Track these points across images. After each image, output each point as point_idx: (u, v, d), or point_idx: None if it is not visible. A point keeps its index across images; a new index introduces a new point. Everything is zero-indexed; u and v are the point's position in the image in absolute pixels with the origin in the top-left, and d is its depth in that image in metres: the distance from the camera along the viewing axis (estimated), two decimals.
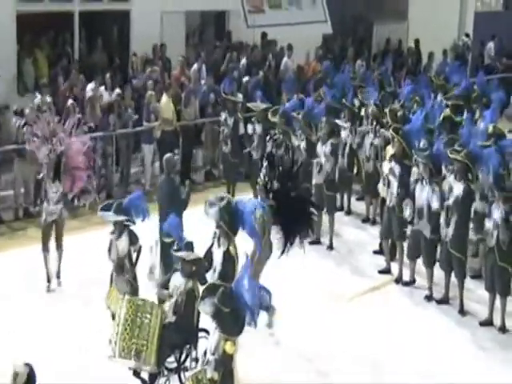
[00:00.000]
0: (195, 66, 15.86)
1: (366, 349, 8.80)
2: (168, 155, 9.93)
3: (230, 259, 7.78)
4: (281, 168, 8.80)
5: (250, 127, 12.96)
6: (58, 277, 9.93)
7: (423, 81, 15.71)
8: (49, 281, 9.84)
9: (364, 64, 18.19)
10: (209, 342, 6.45)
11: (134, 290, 7.99)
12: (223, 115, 13.44)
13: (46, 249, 9.81)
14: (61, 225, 9.89)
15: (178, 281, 7.51)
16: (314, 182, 11.78)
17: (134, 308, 7.13)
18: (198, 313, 7.32)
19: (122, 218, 8.08)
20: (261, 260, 8.29)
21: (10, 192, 12.49)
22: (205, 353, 6.54)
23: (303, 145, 11.91)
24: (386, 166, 10.64)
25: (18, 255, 10.78)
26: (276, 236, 8.34)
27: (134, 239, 8.20)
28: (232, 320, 6.19)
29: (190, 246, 7.57)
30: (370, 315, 9.68)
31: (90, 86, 13.91)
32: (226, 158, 13.51)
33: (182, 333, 7.39)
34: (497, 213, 9.05)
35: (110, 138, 13.45)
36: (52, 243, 9.94)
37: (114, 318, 7.49)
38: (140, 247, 8.25)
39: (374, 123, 12.41)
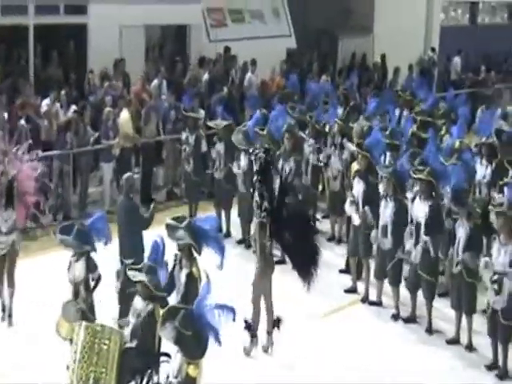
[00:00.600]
0: (155, 81, 15.93)
1: (331, 368, 8.88)
2: (127, 174, 9.94)
3: (193, 281, 7.85)
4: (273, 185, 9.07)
5: (215, 149, 12.92)
6: (10, 315, 9.50)
7: (388, 96, 15.96)
8: (3, 310, 9.50)
9: (329, 79, 18.39)
10: (171, 365, 6.50)
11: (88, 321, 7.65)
12: (184, 133, 13.53)
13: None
14: (13, 258, 9.34)
15: (138, 304, 7.51)
16: None
17: (91, 334, 7.08)
18: (159, 336, 7.29)
19: (81, 247, 8.03)
20: (263, 278, 8.90)
21: None
22: (167, 377, 6.55)
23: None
24: (355, 183, 10.74)
25: None
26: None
27: (91, 267, 8.14)
28: (194, 343, 6.21)
29: (151, 270, 7.52)
30: (336, 334, 9.75)
31: (46, 101, 13.90)
32: (187, 176, 13.58)
33: (142, 357, 7.36)
34: (461, 230, 9.19)
35: (67, 156, 13.42)
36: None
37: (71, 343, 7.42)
38: (99, 276, 8.20)
39: (340, 139, 12.52)
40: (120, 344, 7.16)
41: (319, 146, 12.90)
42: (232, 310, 6.40)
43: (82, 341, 7.06)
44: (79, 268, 8.10)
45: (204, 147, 13.54)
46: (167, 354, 7.26)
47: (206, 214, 12.41)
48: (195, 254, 8.06)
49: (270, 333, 9.22)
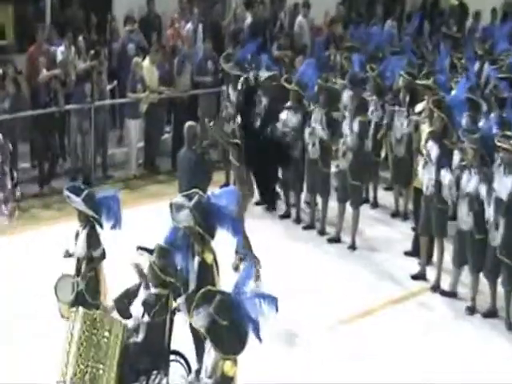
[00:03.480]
0: (189, 25, 15.83)
1: (392, 367, 8.73)
2: (189, 123, 10.32)
3: (206, 269, 7.71)
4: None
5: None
6: None
7: (467, 46, 15.55)
8: None
9: (395, 25, 17.98)
10: (204, 362, 6.32)
11: (86, 306, 7.55)
12: (226, 88, 13.48)
13: None
14: None
15: (146, 292, 7.36)
16: (334, 168, 11.83)
17: (89, 323, 6.96)
18: (170, 331, 7.22)
19: (90, 211, 7.92)
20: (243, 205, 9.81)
21: None
22: (197, 372, 6.44)
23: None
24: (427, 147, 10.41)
25: None
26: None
27: (94, 242, 8.02)
28: (230, 335, 6.05)
29: (163, 252, 7.38)
30: (398, 330, 9.57)
31: (61, 48, 13.92)
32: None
33: (149, 355, 7.21)
34: None
35: (87, 111, 13.40)
36: None
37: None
38: (102, 253, 8.07)
39: (407, 97, 12.22)
40: (122, 337, 7.06)
41: (382, 104, 12.66)
42: (274, 301, 6.22)
43: (78, 330, 6.94)
44: (80, 242, 8.02)
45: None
46: (178, 353, 7.22)
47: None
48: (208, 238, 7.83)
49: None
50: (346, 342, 9.19)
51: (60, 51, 13.86)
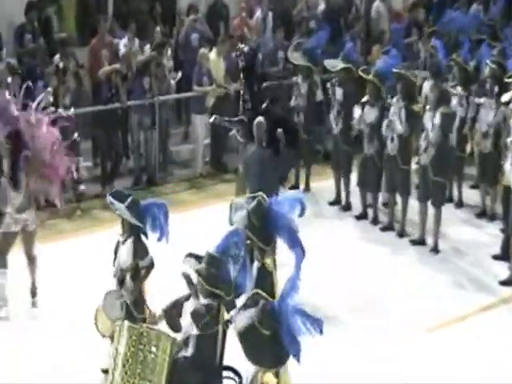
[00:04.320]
0: (258, 13, 15.72)
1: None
2: (259, 119, 10.35)
3: (266, 275, 7.48)
4: None
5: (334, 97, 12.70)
6: (34, 294, 9.69)
7: None
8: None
9: (481, 8, 17.45)
10: (246, 371, 6.32)
11: (131, 320, 7.47)
12: (295, 80, 13.46)
13: (1, 264, 9.56)
14: (28, 239, 9.57)
15: (196, 303, 7.13)
16: (414, 165, 11.73)
17: (135, 338, 6.86)
18: (222, 344, 6.99)
19: (133, 219, 7.82)
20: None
21: None
22: None
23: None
24: None
25: None
26: None
27: (141, 251, 7.89)
28: (267, 346, 6.02)
29: (213, 261, 7.08)
30: (488, 339, 9.29)
31: (123, 41, 13.98)
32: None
33: (199, 371, 7.00)
34: None
35: (149, 107, 13.41)
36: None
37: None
38: (150, 263, 7.93)
39: (495, 87, 11.83)
40: (170, 352, 6.91)
41: (468, 95, 12.41)
42: (319, 323, 6.11)
43: (123, 345, 6.86)
44: (126, 251, 7.90)
45: (319, 96, 13.42)
46: (232, 369, 7.06)
47: (323, 180, 12.68)
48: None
49: None
50: (434, 352, 9.01)
51: (123, 44, 13.95)
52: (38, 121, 9.32)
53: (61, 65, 12.83)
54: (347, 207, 12.58)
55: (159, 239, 7.90)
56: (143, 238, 7.90)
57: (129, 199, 7.85)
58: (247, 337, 5.99)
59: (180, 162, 14.24)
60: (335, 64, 12.88)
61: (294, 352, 5.94)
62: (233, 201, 7.72)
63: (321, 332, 6.05)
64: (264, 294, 6.60)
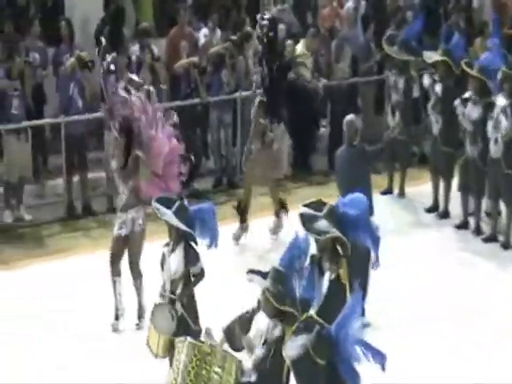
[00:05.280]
0: (350, 2, 15.45)
1: None
2: (349, 117, 10.25)
3: (339, 289, 7.49)
4: None
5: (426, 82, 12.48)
6: (140, 316, 9.48)
7: None
8: (117, 318, 9.51)
9: None
10: None
11: (188, 332, 7.48)
12: (391, 75, 13.35)
13: (115, 272, 9.44)
14: (134, 242, 9.37)
15: (262, 323, 6.99)
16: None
17: (199, 357, 6.82)
18: (289, 370, 6.74)
19: (182, 225, 7.77)
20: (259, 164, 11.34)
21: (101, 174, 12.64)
22: None
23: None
24: None
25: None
26: None
27: (192, 258, 7.85)
28: (321, 377, 5.91)
29: (279, 276, 6.86)
30: None
31: (204, 31, 14.03)
32: (391, 132, 13.17)
33: None
34: None
35: (229, 103, 13.32)
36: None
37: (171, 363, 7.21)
38: (202, 271, 7.92)
39: None
40: (236, 375, 6.84)
41: None
42: (382, 358, 5.95)
43: (184, 363, 6.84)
44: (176, 260, 7.88)
45: (416, 92, 13.26)
46: None
47: (419, 184, 12.74)
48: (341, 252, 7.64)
49: (277, 214, 11.42)
50: None
51: (203, 34, 13.95)
52: (158, 123, 9.26)
53: (134, 57, 12.78)
54: (446, 215, 12.27)
55: (209, 246, 7.92)
56: (193, 244, 7.89)
57: (176, 204, 7.86)
58: (299, 366, 5.90)
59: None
60: (434, 56, 12.58)
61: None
62: (300, 211, 7.62)
63: (383, 368, 5.92)
64: (317, 318, 6.51)
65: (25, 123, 12.00)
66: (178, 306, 7.76)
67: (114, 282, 9.41)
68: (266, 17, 11.34)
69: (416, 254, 10.88)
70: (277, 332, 6.74)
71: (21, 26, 13.47)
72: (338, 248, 7.57)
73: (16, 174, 11.96)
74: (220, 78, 13.27)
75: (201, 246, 7.94)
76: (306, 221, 7.54)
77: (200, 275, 7.92)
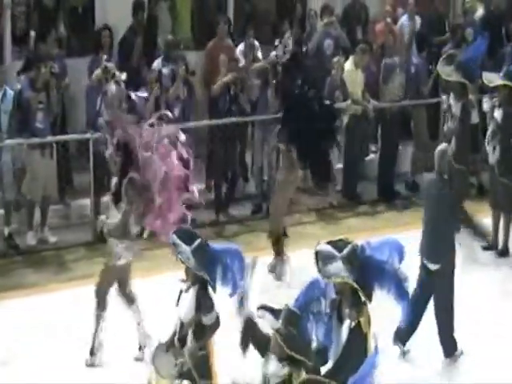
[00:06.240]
0: (404, 18, 15.34)
1: None
2: (442, 146, 10.05)
3: (359, 337, 7.23)
4: None
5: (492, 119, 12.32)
6: (141, 347, 9.43)
7: None
8: (92, 353, 9.42)
9: None
10: None
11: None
12: (445, 98, 13.29)
13: (100, 307, 9.35)
14: (126, 272, 9.35)
15: (271, 365, 6.81)
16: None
17: None
18: None
19: (199, 268, 7.46)
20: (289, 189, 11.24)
21: None
22: None
23: None
24: None
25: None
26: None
27: (205, 306, 7.52)
28: None
29: (292, 318, 6.73)
30: None
31: (240, 46, 14.03)
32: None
33: None
34: None
35: (272, 122, 12.98)
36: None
37: None
38: (216, 321, 7.58)
39: None
40: None
41: None
42: None
43: None
44: (188, 303, 7.60)
45: (475, 118, 13.31)
46: None
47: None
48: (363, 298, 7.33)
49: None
50: None
51: (243, 48, 13.98)
52: (157, 145, 8.95)
53: (164, 70, 12.73)
54: (505, 252, 12.09)
55: (231, 295, 7.45)
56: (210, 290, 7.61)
57: (196, 242, 7.50)
58: None
59: (308, 189, 13.88)
60: (495, 79, 12.45)
61: None
62: (317, 249, 7.27)
63: None
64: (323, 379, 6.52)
65: (50, 138, 11.83)
66: (187, 356, 7.52)
67: (97, 317, 9.30)
68: (288, 49, 11.38)
69: (471, 295, 10.57)
70: (284, 371, 6.66)
71: (45, 33, 13.26)
72: (360, 294, 7.27)
73: (40, 193, 11.82)
74: (266, 96, 13.18)
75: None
76: (320, 260, 7.24)
77: (213, 326, 7.60)
